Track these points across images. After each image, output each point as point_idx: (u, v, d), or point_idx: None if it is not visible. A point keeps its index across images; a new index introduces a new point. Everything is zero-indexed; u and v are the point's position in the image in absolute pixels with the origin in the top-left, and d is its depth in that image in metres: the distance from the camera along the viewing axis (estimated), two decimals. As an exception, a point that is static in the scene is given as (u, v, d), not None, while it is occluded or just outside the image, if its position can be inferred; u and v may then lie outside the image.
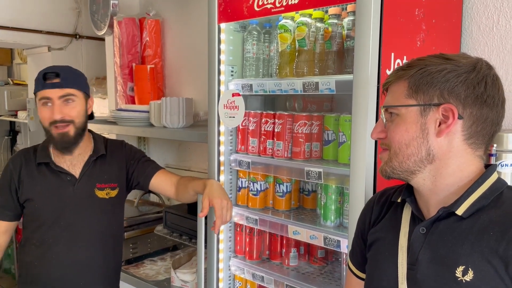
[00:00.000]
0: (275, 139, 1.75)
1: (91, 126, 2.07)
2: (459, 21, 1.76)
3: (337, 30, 1.59)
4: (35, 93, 1.71)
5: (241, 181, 1.90)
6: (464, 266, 0.89)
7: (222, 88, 1.84)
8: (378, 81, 1.36)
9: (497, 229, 0.88)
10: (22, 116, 4.25)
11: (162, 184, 1.87)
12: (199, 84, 2.69)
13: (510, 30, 1.70)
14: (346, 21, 1.54)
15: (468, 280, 0.88)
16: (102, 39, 3.29)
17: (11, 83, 4.80)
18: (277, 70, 1.73)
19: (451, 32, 1.71)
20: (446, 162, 0.95)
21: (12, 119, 4.52)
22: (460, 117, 0.92)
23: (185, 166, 2.97)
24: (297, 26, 1.63)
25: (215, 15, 1.78)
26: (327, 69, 1.62)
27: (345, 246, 1.50)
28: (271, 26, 1.83)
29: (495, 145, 1.44)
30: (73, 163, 1.77)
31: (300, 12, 1.61)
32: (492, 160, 1.45)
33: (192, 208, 2.34)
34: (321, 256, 1.91)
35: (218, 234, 1.88)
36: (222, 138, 1.86)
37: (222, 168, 1.88)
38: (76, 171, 1.76)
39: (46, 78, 1.66)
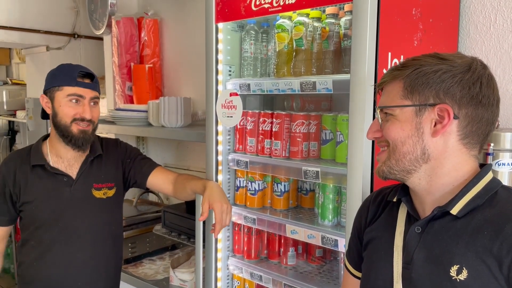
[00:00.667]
0: (273, 139, 1.75)
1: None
2: (456, 21, 1.76)
3: (335, 30, 1.60)
4: (59, 86, 1.67)
5: (239, 181, 1.90)
6: (458, 265, 0.89)
7: (220, 87, 1.84)
8: (375, 81, 1.36)
9: (491, 229, 0.88)
10: (20, 115, 4.24)
11: (160, 182, 1.87)
12: (197, 84, 2.69)
13: (508, 29, 1.70)
14: (343, 20, 1.54)
15: (462, 279, 0.88)
16: (100, 39, 3.29)
17: (10, 82, 4.80)
18: (275, 70, 1.73)
19: (448, 31, 1.71)
20: (442, 162, 0.95)
21: (11, 118, 4.52)
22: (455, 117, 0.92)
23: (184, 165, 2.97)
24: (295, 26, 1.63)
25: (212, 15, 1.79)
26: (325, 69, 1.62)
27: (342, 245, 1.51)
28: (268, 25, 1.83)
29: (492, 144, 1.45)
30: (70, 163, 1.76)
31: (297, 11, 1.61)
32: (489, 159, 1.45)
33: (190, 208, 2.35)
34: (319, 255, 1.91)
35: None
36: (220, 138, 1.87)
37: (220, 167, 1.88)
38: (73, 172, 1.76)
39: (79, 76, 1.67)
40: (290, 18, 1.68)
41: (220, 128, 1.86)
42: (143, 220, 2.65)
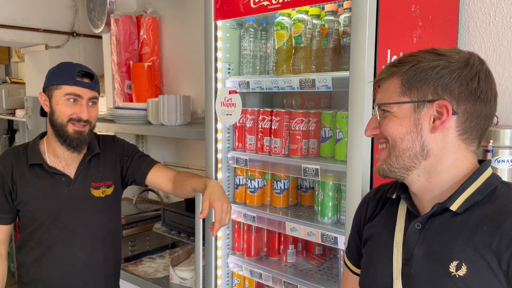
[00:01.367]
0: (272, 136, 1.75)
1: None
2: (455, 17, 1.76)
3: (334, 27, 1.59)
4: (57, 85, 1.65)
5: (239, 179, 1.90)
6: (457, 261, 0.89)
7: (219, 85, 1.84)
8: (375, 78, 1.36)
9: (490, 224, 0.88)
10: (20, 114, 4.24)
11: (159, 179, 1.86)
12: (197, 82, 2.69)
13: (507, 26, 1.70)
14: (343, 17, 1.54)
15: (462, 275, 0.88)
16: (99, 37, 3.29)
17: (9, 81, 4.79)
18: (274, 67, 1.73)
19: (448, 28, 1.71)
20: (441, 158, 0.95)
21: (10, 117, 4.52)
22: (454, 113, 0.92)
23: (183, 163, 2.97)
24: (294, 23, 1.63)
25: (211, 13, 1.78)
26: (324, 66, 1.62)
27: (342, 243, 1.51)
28: (267, 23, 1.83)
29: (491, 141, 1.45)
30: (68, 163, 1.75)
31: (296, 9, 1.61)
32: (489, 156, 1.45)
33: (190, 206, 2.34)
34: (319, 253, 1.91)
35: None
36: (219, 136, 1.86)
37: (219, 165, 1.88)
38: (71, 171, 1.74)
39: (78, 75, 1.66)
40: (289, 15, 1.67)
41: (219, 126, 1.86)
42: (143, 219, 2.65)
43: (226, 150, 1.89)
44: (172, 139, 3.04)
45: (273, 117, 1.75)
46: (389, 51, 1.40)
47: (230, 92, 1.75)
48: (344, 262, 1.23)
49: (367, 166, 1.37)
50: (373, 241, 1.09)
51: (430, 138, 0.94)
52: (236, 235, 1.94)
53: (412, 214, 1.02)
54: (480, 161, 0.98)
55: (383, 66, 1.01)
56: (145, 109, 2.52)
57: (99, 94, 1.75)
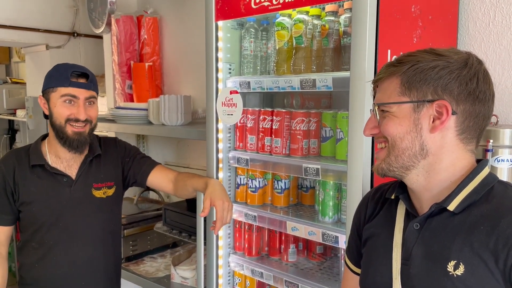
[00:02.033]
0: (273, 136, 1.76)
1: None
2: (455, 17, 1.76)
3: (334, 27, 1.60)
4: (53, 88, 1.66)
5: (240, 178, 1.91)
6: (455, 261, 0.90)
7: (220, 85, 1.84)
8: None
9: (487, 224, 0.89)
10: (20, 114, 4.25)
11: (160, 180, 1.88)
12: (197, 82, 2.69)
13: (507, 26, 1.71)
14: (343, 18, 1.54)
15: (459, 274, 0.89)
16: (100, 37, 3.29)
17: (10, 81, 4.80)
18: (275, 68, 1.74)
19: (448, 28, 1.72)
20: (440, 157, 0.95)
21: (11, 117, 4.52)
22: (453, 113, 0.92)
23: (184, 163, 2.98)
24: (294, 24, 1.64)
25: (212, 13, 1.79)
26: (324, 66, 1.63)
27: (343, 242, 1.51)
28: (268, 23, 1.84)
29: (491, 141, 1.46)
30: (70, 164, 1.76)
31: (297, 9, 1.61)
32: (489, 156, 1.46)
33: (191, 206, 2.35)
34: (320, 252, 1.92)
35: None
36: (220, 136, 1.87)
37: (220, 165, 1.89)
38: (72, 172, 1.75)
39: (73, 76, 1.65)
40: (289, 16, 1.68)
41: (220, 126, 1.86)
42: (144, 218, 2.65)
43: (227, 150, 1.90)
44: (173, 139, 3.04)
45: (274, 117, 1.76)
46: (389, 51, 1.40)
47: (231, 92, 1.76)
48: (345, 261, 1.24)
49: (368, 166, 1.38)
50: (373, 241, 1.09)
51: (429, 138, 0.95)
52: (237, 235, 1.95)
53: (411, 214, 1.02)
54: (478, 161, 0.99)
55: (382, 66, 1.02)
56: (146, 109, 2.52)
57: (97, 93, 1.74)
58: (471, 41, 1.79)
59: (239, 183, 1.91)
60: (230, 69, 1.87)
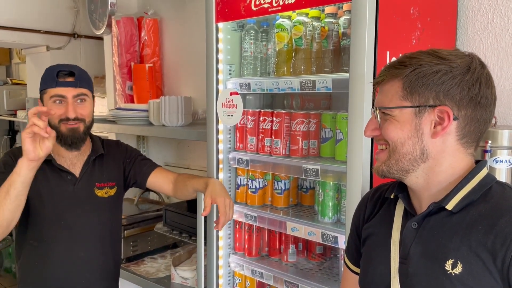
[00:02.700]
0: (273, 137, 1.77)
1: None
2: (454, 19, 1.77)
3: (334, 29, 1.61)
4: (44, 90, 1.68)
5: (240, 179, 1.92)
6: (453, 260, 0.91)
7: (220, 87, 1.85)
8: (374, 79, 1.37)
9: (485, 223, 0.90)
10: (21, 115, 4.25)
11: (160, 182, 1.89)
12: (198, 83, 2.70)
13: (505, 27, 1.72)
14: (342, 20, 1.55)
15: (457, 273, 0.90)
16: (100, 38, 3.30)
17: (10, 82, 4.81)
18: (275, 69, 1.75)
19: (446, 30, 1.73)
20: (439, 161, 0.96)
21: (11, 118, 4.53)
22: (455, 119, 0.92)
23: (184, 164, 2.99)
24: (294, 25, 1.65)
25: (212, 15, 1.80)
26: (324, 68, 1.64)
27: (342, 242, 1.52)
28: (268, 25, 1.85)
29: (489, 142, 1.47)
30: (73, 162, 1.77)
31: (297, 11, 1.62)
32: (487, 156, 1.47)
33: (191, 206, 2.36)
34: (320, 252, 1.93)
35: (218, 232, 1.90)
36: (220, 137, 1.88)
37: (221, 166, 1.90)
38: (76, 171, 1.77)
39: (60, 76, 1.67)
40: (289, 17, 1.69)
41: (220, 127, 1.87)
42: (145, 219, 2.66)
43: (227, 151, 1.91)
44: (173, 140, 3.05)
45: (274, 118, 1.77)
46: (388, 52, 1.41)
47: (231, 94, 1.77)
48: (344, 261, 1.25)
49: (367, 167, 1.39)
50: (372, 241, 1.10)
51: (430, 143, 0.95)
52: (237, 235, 1.96)
53: (409, 213, 1.03)
54: (477, 161, 1.00)
55: (382, 67, 1.02)
56: (147, 110, 2.53)
57: (89, 90, 1.73)
58: (469, 42, 1.80)
59: (239, 183, 1.92)
60: (230, 70, 1.88)
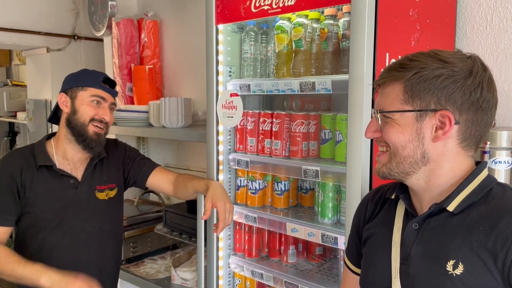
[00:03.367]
0: (273, 138, 1.77)
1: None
2: (453, 21, 1.78)
3: (333, 31, 1.62)
4: (84, 87, 1.72)
5: (240, 180, 1.92)
6: (454, 260, 0.91)
7: (220, 88, 1.86)
8: (373, 81, 1.38)
9: (486, 224, 0.90)
10: (21, 117, 4.26)
11: (159, 182, 1.89)
12: (198, 84, 2.71)
13: (504, 29, 1.72)
14: (342, 21, 1.56)
15: (459, 273, 0.90)
16: (100, 40, 3.31)
17: (10, 84, 4.82)
18: (275, 70, 1.75)
19: (446, 31, 1.74)
20: (440, 164, 0.96)
21: (11, 120, 4.54)
22: (456, 123, 0.93)
23: (184, 165, 2.99)
24: (294, 27, 1.66)
25: (212, 17, 1.81)
26: (324, 69, 1.64)
27: (342, 243, 1.53)
28: (268, 26, 1.86)
29: (488, 143, 1.47)
30: (76, 166, 1.77)
31: (296, 13, 1.63)
32: (486, 157, 1.48)
33: (192, 207, 2.36)
34: (319, 253, 1.93)
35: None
36: (220, 138, 1.89)
37: (221, 167, 1.91)
38: (78, 174, 1.76)
39: (104, 81, 1.75)
40: (289, 19, 1.70)
41: (220, 128, 1.88)
42: (145, 220, 2.66)
43: (227, 152, 1.91)
44: (173, 141, 3.06)
45: (274, 119, 1.77)
46: (387, 54, 1.42)
47: (231, 95, 1.78)
48: (344, 262, 1.25)
49: (367, 168, 1.40)
50: (372, 241, 1.11)
51: (431, 146, 0.95)
52: (237, 236, 1.96)
53: (410, 214, 1.03)
54: (477, 163, 1.01)
55: (382, 69, 1.02)
56: (147, 112, 2.54)
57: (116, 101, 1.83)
58: (468, 44, 1.80)
59: (239, 185, 1.93)
60: (230, 72, 1.89)
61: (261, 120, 1.81)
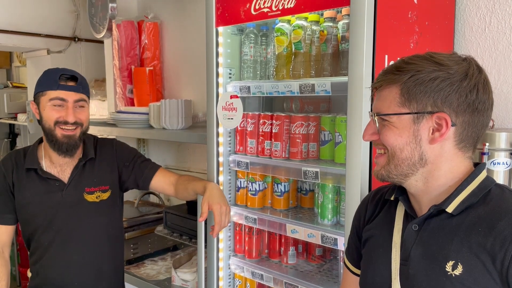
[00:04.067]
0: (273, 140, 1.78)
1: (91, 128, 2.09)
2: (451, 23, 1.79)
3: (333, 33, 1.63)
4: (42, 92, 1.67)
5: (240, 181, 1.93)
6: (453, 261, 0.92)
7: (221, 90, 1.87)
8: (373, 82, 1.39)
9: (485, 225, 0.91)
10: (21, 118, 4.27)
11: (162, 184, 1.89)
12: (198, 86, 2.72)
13: (502, 31, 1.73)
14: (341, 24, 1.57)
15: (458, 274, 0.91)
16: (101, 42, 3.32)
17: (11, 86, 4.82)
18: (274, 72, 1.76)
19: (444, 33, 1.75)
20: (438, 166, 0.97)
21: (12, 121, 4.54)
22: (453, 125, 0.94)
23: (184, 167, 3.00)
24: (293, 29, 1.67)
25: (213, 19, 1.82)
26: (323, 71, 1.65)
27: (342, 244, 1.53)
28: (268, 29, 1.87)
29: (487, 144, 1.48)
30: (63, 168, 1.77)
31: (296, 15, 1.64)
32: (485, 159, 1.48)
33: (192, 209, 2.37)
34: (319, 254, 1.94)
35: (218, 234, 1.91)
36: (221, 139, 1.90)
37: (221, 168, 1.91)
38: (65, 177, 1.76)
39: (62, 79, 1.67)
40: (289, 21, 1.71)
41: (220, 129, 1.89)
42: (145, 221, 2.67)
43: (227, 154, 1.92)
44: (173, 143, 3.07)
45: (274, 121, 1.78)
46: (386, 56, 1.43)
47: (231, 97, 1.79)
48: (344, 263, 1.26)
49: (366, 169, 1.40)
50: (372, 242, 1.11)
51: (428, 148, 0.96)
52: (237, 237, 1.97)
53: (410, 215, 1.04)
54: (476, 164, 1.01)
55: (379, 72, 1.03)
56: (147, 113, 2.55)
57: (88, 96, 1.75)
58: (467, 46, 1.81)
59: (239, 186, 1.94)
60: (230, 74, 1.90)
61: (261, 121, 1.82)
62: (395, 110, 0.97)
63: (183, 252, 2.63)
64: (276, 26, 1.72)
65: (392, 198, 1.09)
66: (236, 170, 1.95)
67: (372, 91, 1.05)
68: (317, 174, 1.59)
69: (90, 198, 1.78)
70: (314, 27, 1.66)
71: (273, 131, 1.78)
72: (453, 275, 0.91)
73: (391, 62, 1.44)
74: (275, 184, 1.87)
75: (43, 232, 1.74)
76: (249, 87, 1.78)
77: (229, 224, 1.96)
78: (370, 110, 1.37)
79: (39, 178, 1.74)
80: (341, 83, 1.47)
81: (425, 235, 0.99)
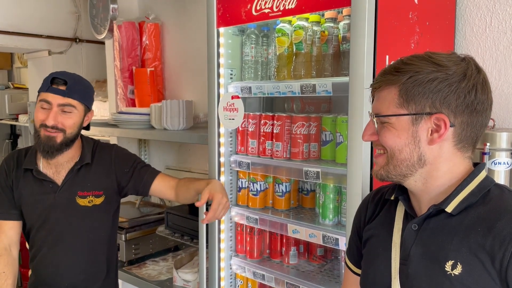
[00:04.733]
0: (274, 140, 1.78)
1: (92, 129, 2.10)
2: (452, 23, 1.79)
3: (333, 33, 1.63)
4: (38, 92, 1.71)
5: (241, 182, 1.93)
6: (453, 261, 0.92)
7: (222, 90, 1.87)
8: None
9: (484, 225, 0.92)
10: (23, 119, 4.28)
11: (161, 188, 1.88)
12: (199, 87, 2.72)
13: (503, 31, 1.74)
14: (342, 24, 1.57)
15: (457, 274, 0.91)
16: (102, 43, 3.33)
17: (12, 87, 4.83)
18: (275, 73, 1.77)
19: (445, 34, 1.75)
20: (437, 166, 0.98)
21: (13, 122, 4.55)
22: (451, 125, 0.94)
23: (186, 167, 3.00)
24: (294, 30, 1.67)
25: (214, 20, 1.82)
26: (324, 71, 1.66)
27: (343, 244, 1.54)
28: (269, 29, 1.87)
29: (488, 144, 1.48)
30: (58, 170, 1.78)
31: (297, 16, 1.64)
32: (485, 159, 1.49)
33: (193, 209, 2.37)
34: (321, 254, 1.94)
35: (219, 234, 1.91)
36: (222, 140, 1.90)
37: (222, 169, 1.92)
38: (59, 179, 1.77)
39: (54, 82, 1.68)
40: (290, 22, 1.71)
41: (222, 130, 1.89)
42: (146, 222, 2.67)
43: (228, 154, 1.93)
44: (174, 143, 3.07)
45: (275, 121, 1.78)
46: (387, 57, 1.43)
47: (232, 97, 1.79)
48: (345, 262, 1.26)
49: (367, 169, 1.41)
50: (373, 242, 1.12)
51: (427, 149, 0.96)
52: (239, 237, 1.97)
53: (410, 215, 1.05)
54: (475, 164, 1.02)
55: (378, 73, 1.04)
56: (148, 114, 2.55)
57: (81, 101, 1.71)
58: (468, 46, 1.82)
59: (240, 186, 1.94)
60: (231, 74, 1.90)
61: (262, 122, 1.83)
62: (393, 111, 0.97)
63: (184, 252, 2.63)
64: (277, 26, 1.72)
65: (392, 198, 1.09)
66: (237, 171, 1.95)
67: (371, 92, 1.05)
68: (318, 174, 1.60)
69: (82, 202, 1.78)
70: (315, 28, 1.66)
71: (274, 131, 1.78)
72: (453, 275, 0.92)
73: (392, 63, 1.45)
74: (276, 184, 1.88)
75: (37, 232, 1.78)
76: (250, 88, 1.78)
77: (230, 224, 1.97)
78: (370, 111, 1.38)
79: (34, 179, 1.76)
80: (342, 83, 1.47)
81: (425, 234, 0.99)
